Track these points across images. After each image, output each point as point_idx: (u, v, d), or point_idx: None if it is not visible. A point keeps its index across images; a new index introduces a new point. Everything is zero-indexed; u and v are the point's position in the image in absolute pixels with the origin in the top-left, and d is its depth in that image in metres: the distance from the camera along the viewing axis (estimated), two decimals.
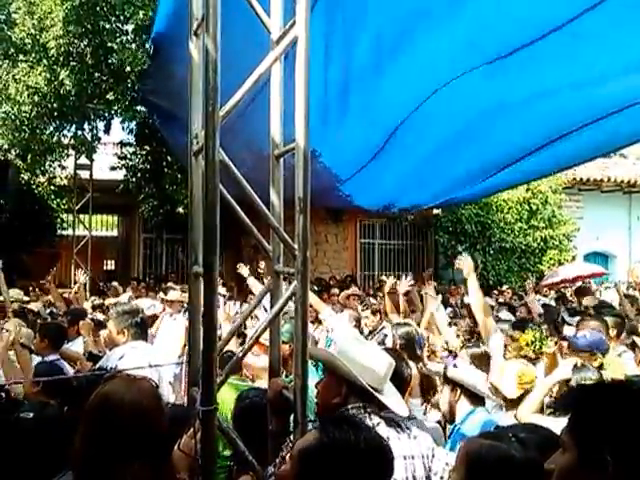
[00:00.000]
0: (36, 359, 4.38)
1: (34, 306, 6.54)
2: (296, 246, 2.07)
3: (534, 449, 1.62)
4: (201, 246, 2.15)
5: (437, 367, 4.26)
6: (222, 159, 1.95)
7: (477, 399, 3.08)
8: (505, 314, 5.90)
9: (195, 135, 2.34)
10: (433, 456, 2.14)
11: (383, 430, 2.08)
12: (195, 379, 2.18)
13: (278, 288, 2.34)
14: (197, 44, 2.37)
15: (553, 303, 8.91)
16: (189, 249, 2.34)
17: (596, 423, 1.27)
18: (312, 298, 5.70)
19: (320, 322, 6.06)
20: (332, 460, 1.52)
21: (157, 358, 4.10)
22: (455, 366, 3.19)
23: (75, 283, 8.74)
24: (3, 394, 3.15)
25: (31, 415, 2.15)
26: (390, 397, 2.24)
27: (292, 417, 2.07)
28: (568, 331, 4.69)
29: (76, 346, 5.05)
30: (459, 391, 3.08)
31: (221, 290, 7.90)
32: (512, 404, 3.23)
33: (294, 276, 2.09)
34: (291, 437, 2.04)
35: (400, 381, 2.62)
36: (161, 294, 7.66)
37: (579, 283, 11.25)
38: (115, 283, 9.73)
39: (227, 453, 2.84)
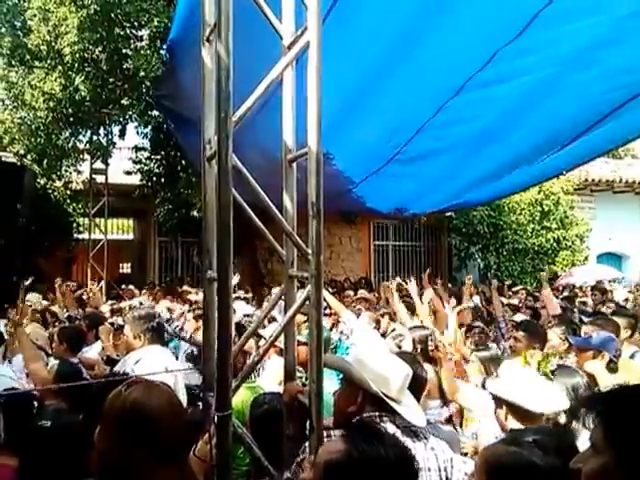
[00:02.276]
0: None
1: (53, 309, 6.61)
2: (310, 250, 2.07)
3: (554, 454, 1.59)
4: (215, 251, 2.16)
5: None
6: (235, 164, 1.96)
7: (528, 416, 2.50)
8: (520, 317, 5.84)
9: (208, 140, 2.35)
10: (452, 467, 2.10)
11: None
12: (210, 384, 2.19)
13: (292, 292, 2.34)
14: (209, 50, 2.38)
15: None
16: (203, 254, 2.35)
17: (633, 424, 1.25)
18: (332, 301, 5.70)
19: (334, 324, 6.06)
20: (361, 475, 1.48)
21: (174, 363, 4.11)
22: (497, 376, 2.75)
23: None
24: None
25: (49, 424, 2.14)
26: (407, 407, 2.19)
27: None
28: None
29: (93, 351, 5.08)
30: (505, 407, 2.59)
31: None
32: None
33: (308, 280, 2.09)
34: (307, 442, 2.04)
35: (416, 385, 2.59)
36: (192, 295, 7.57)
37: (594, 282, 11.23)
38: (131, 286, 9.78)
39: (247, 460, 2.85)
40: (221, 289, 1.93)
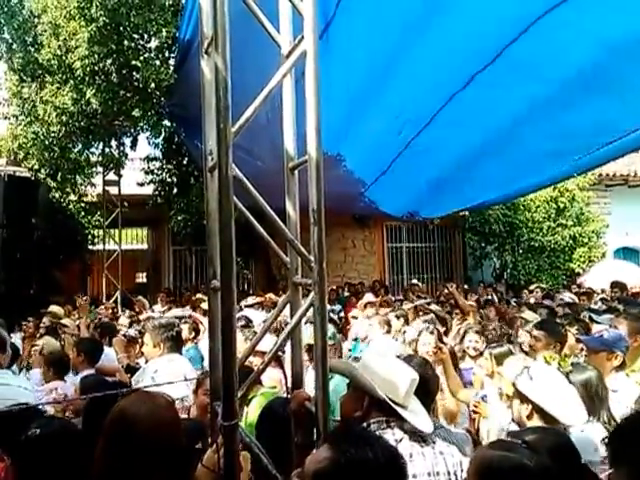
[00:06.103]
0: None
1: (66, 322, 6.67)
2: (312, 257, 2.07)
3: (546, 455, 1.59)
4: (219, 261, 2.16)
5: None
6: (236, 174, 1.96)
7: (553, 422, 2.56)
8: (530, 314, 5.79)
9: (209, 151, 2.37)
10: (462, 470, 2.09)
11: (406, 445, 2.05)
12: (217, 394, 2.19)
13: (297, 299, 2.34)
14: (208, 62, 2.40)
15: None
16: (207, 263, 2.36)
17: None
18: None
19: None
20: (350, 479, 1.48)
21: (192, 371, 4.12)
22: (530, 378, 2.72)
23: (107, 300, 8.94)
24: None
25: (38, 431, 2.08)
26: (413, 413, 2.19)
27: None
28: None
29: (108, 352, 5.10)
30: (530, 407, 2.63)
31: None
32: None
33: (312, 287, 2.09)
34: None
35: (426, 389, 2.56)
36: (206, 304, 7.64)
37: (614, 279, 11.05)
38: (140, 297, 9.80)
39: None
40: (224, 298, 1.93)
